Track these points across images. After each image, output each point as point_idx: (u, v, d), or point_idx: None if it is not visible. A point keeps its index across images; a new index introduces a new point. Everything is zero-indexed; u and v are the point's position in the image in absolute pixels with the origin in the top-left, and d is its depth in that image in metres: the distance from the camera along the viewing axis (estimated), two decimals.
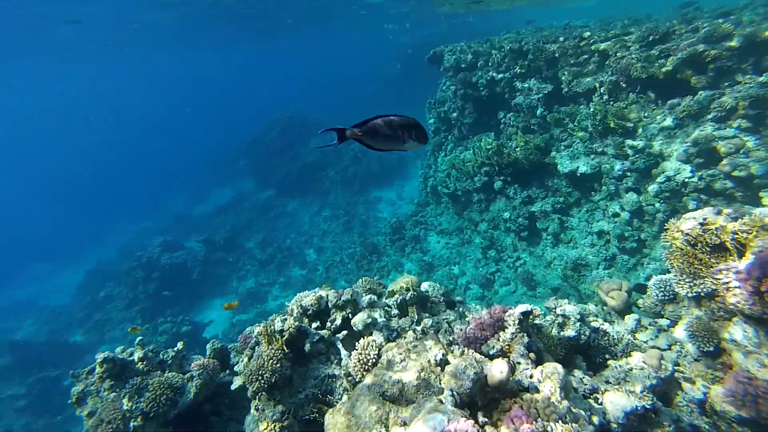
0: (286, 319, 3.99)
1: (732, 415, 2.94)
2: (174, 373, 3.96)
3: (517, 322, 2.92)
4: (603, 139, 8.72)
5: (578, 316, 3.83)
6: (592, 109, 8.75)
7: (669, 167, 7.32)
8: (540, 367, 2.63)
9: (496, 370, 2.38)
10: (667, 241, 3.49)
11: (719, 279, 2.61)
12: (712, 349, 3.28)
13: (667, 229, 3.54)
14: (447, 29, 34.50)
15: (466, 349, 2.87)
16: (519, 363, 2.73)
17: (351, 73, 41.46)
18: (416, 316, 3.96)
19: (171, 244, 19.38)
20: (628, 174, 8.08)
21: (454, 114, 12.81)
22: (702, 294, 3.20)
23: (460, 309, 4.78)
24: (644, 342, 3.96)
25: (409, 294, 4.29)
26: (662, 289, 4.03)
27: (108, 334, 15.90)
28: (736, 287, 2.54)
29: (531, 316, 3.07)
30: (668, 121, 7.49)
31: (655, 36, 8.39)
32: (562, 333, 3.70)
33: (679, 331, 3.77)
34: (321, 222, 21.44)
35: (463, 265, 12.16)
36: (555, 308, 4.02)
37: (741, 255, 3.11)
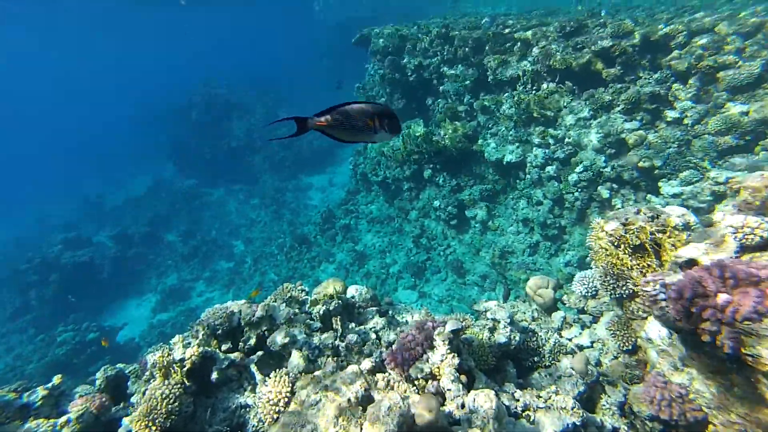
0: (189, 343, 3.42)
1: (645, 414, 2.96)
2: (41, 421, 3.23)
3: (447, 342, 2.66)
4: (527, 128, 8.86)
5: (508, 320, 3.69)
6: (516, 98, 8.83)
7: (586, 157, 7.59)
8: (472, 394, 2.39)
9: (424, 409, 2.08)
10: (593, 241, 3.43)
11: (646, 290, 2.54)
12: (630, 347, 3.29)
13: (593, 229, 3.48)
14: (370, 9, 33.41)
15: (391, 376, 2.55)
16: (449, 390, 2.47)
17: (275, 49, 39.22)
18: (340, 330, 3.59)
19: (75, 241, 17.17)
20: (550, 162, 8.29)
21: (383, 99, 12.43)
22: (624, 295, 3.17)
23: (390, 313, 4.49)
24: (569, 340, 3.95)
25: (333, 303, 3.89)
26: (585, 285, 4.03)
27: None
28: (662, 299, 2.48)
29: (461, 332, 2.82)
30: (585, 112, 7.73)
31: (571, 28, 8.58)
32: (492, 339, 3.54)
33: (601, 329, 3.78)
34: (249, 211, 20.25)
35: (395, 254, 12.02)
36: (485, 312, 3.86)
37: (657, 255, 3.10)
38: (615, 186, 7.11)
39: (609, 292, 3.24)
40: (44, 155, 38.05)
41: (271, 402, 2.45)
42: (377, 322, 4.09)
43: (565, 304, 4.28)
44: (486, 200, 9.79)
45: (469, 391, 2.49)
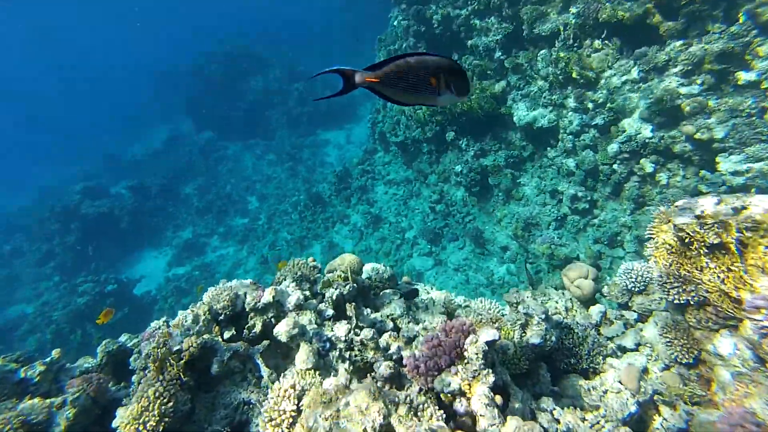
0: (189, 330, 3.06)
1: None
2: (36, 401, 2.97)
3: (481, 355, 2.20)
4: (563, 90, 7.97)
5: (543, 315, 3.22)
6: (554, 56, 7.88)
7: (629, 125, 6.78)
8: (511, 425, 1.96)
9: None
10: (654, 234, 2.86)
11: (756, 320, 2.01)
12: (691, 361, 2.80)
13: (655, 218, 2.90)
14: None
15: (414, 394, 2.13)
16: (483, 416, 2.04)
17: (293, 3, 37.14)
18: (355, 321, 3.18)
19: (94, 190, 17.11)
20: (587, 130, 7.49)
21: None
22: (691, 302, 2.64)
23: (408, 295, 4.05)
24: (609, 339, 3.47)
25: (347, 287, 3.46)
26: (632, 279, 3.50)
27: (18, 293, 14.11)
28: None
29: (496, 343, 2.36)
30: (633, 74, 6.82)
31: None
32: (525, 338, 3.09)
33: (650, 330, 3.29)
34: (265, 166, 19.83)
35: (411, 218, 11.54)
36: (516, 304, 3.39)
37: (742, 256, 2.53)
38: (661, 159, 6.35)
39: (672, 297, 2.71)
40: (64, 112, 37.85)
41: (273, 422, 2.07)
42: (395, 307, 3.67)
43: (605, 296, 3.77)
44: (511, 167, 9.09)
45: (505, 419, 2.06)
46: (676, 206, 2.80)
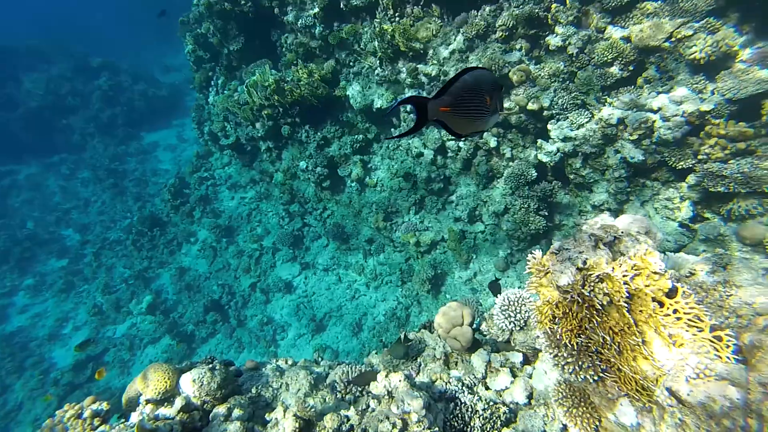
0: None
1: None
2: None
3: None
4: (394, 64, 7.14)
5: (423, 408, 2.34)
6: (377, 29, 6.92)
7: None
8: None
9: None
10: (533, 288, 2.12)
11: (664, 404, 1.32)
12: (593, 430, 2.22)
13: (531, 268, 2.15)
14: None
15: None
16: None
17: None
18: None
19: None
20: None
21: (216, 38, 9.32)
22: (591, 381, 1.99)
23: (253, 408, 2.84)
24: (498, 392, 2.81)
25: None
26: (510, 317, 2.84)
27: None
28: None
29: None
30: (459, 42, 6.26)
31: None
32: None
33: (539, 379, 2.68)
34: (79, 188, 15.71)
35: (266, 222, 10.01)
36: (390, 397, 2.45)
37: (631, 312, 1.91)
38: (501, 130, 6.02)
39: (567, 375, 2.03)
40: None
41: None
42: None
43: (485, 335, 3.09)
44: (359, 152, 8.17)
45: None
46: (554, 254, 2.06)
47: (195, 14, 9.98)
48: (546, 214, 5.73)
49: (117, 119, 17.24)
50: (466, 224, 6.80)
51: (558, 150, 5.34)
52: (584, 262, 1.93)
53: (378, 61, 7.15)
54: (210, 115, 10.53)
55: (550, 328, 2.04)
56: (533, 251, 2.17)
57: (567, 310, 1.98)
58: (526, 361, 2.89)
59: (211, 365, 3.04)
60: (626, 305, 1.89)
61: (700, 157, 4.31)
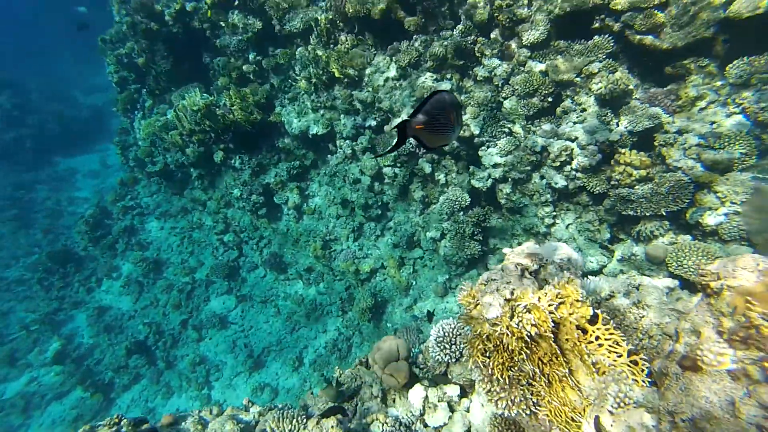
0: None
1: None
2: None
3: None
4: (330, 91, 7.13)
5: None
6: (311, 54, 6.90)
7: None
8: None
9: None
10: (464, 322, 2.08)
11: None
12: None
13: (462, 299, 2.11)
14: None
15: None
16: None
17: None
18: None
19: None
20: (362, 132, 6.88)
21: (142, 58, 8.76)
22: (524, 415, 1.95)
23: None
24: (437, 429, 2.71)
25: None
26: (445, 350, 2.78)
27: None
28: None
29: None
30: (392, 71, 6.39)
31: None
32: None
33: (476, 414, 2.62)
34: None
35: (199, 253, 9.35)
36: None
37: (557, 341, 1.92)
38: (435, 157, 6.16)
39: (500, 410, 1.98)
40: None
41: None
42: None
43: (422, 368, 3.00)
44: (296, 179, 7.96)
45: None
46: (483, 284, 2.04)
47: (118, 32, 9.36)
48: (481, 238, 5.88)
49: (24, 143, 15.53)
50: (404, 250, 6.79)
51: (489, 176, 5.54)
52: (512, 293, 1.92)
53: (313, 87, 7.09)
54: (136, 139, 9.78)
55: (482, 362, 1.98)
56: (463, 284, 2.14)
57: (498, 343, 1.94)
58: (464, 393, 2.83)
59: (116, 428, 2.64)
60: (552, 335, 1.89)
61: (612, 182, 4.67)
